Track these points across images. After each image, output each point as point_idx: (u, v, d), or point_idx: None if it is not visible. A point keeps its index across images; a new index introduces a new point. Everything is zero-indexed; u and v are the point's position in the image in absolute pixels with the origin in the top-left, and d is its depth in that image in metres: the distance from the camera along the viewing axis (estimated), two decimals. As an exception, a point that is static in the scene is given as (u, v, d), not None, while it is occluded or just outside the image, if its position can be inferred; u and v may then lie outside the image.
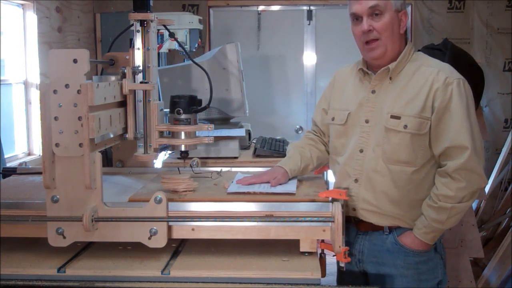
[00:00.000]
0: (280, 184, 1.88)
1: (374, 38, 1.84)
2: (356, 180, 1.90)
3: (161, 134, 1.92)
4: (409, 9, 4.78)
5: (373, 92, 1.91)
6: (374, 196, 1.87)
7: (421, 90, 1.82)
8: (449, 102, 1.80)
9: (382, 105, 1.87)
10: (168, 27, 2.03)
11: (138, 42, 1.89)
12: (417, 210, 1.87)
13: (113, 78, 1.85)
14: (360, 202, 1.90)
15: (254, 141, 2.90)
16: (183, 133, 1.92)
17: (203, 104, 1.97)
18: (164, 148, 2.31)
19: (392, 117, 1.83)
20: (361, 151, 1.90)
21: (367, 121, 1.90)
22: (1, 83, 3.55)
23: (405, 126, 1.81)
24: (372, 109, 1.90)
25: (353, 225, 1.95)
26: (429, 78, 1.83)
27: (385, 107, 1.86)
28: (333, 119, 2.01)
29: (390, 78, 1.88)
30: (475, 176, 1.80)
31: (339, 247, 1.61)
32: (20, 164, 3.55)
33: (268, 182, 1.88)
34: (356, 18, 1.86)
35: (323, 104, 2.11)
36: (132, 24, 1.90)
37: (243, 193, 1.80)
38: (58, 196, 1.64)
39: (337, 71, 2.11)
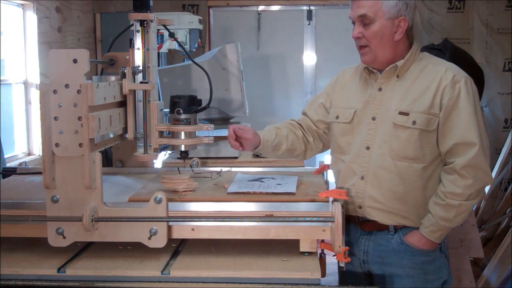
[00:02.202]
0: (242, 139, 1.95)
1: (363, 45, 1.88)
2: (362, 178, 1.90)
3: (161, 134, 1.92)
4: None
5: (380, 89, 1.91)
6: (381, 193, 1.87)
7: (429, 87, 1.84)
8: (457, 100, 1.81)
9: (389, 102, 1.88)
10: (168, 27, 2.03)
11: (138, 42, 1.89)
12: (423, 208, 1.87)
13: (113, 78, 1.84)
14: (366, 199, 1.89)
15: (254, 141, 2.90)
16: (183, 133, 1.92)
17: (203, 104, 1.97)
18: (164, 148, 2.31)
19: (401, 113, 1.84)
20: (368, 148, 1.90)
21: (373, 118, 1.90)
22: (1, 83, 3.55)
23: (414, 122, 1.82)
24: (379, 106, 1.90)
25: (357, 225, 1.95)
26: (437, 76, 1.84)
27: (393, 104, 1.87)
28: (337, 117, 2.01)
29: (397, 76, 1.89)
30: (481, 174, 1.81)
31: (339, 247, 1.61)
32: (20, 164, 3.56)
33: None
34: (352, 22, 1.89)
35: (322, 99, 2.11)
36: (132, 24, 1.90)
37: (243, 193, 1.81)
38: (58, 196, 1.64)
39: (341, 71, 2.12)
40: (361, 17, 1.84)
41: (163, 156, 2.51)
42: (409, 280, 1.89)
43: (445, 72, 1.84)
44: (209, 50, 4.70)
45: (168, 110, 1.95)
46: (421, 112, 1.82)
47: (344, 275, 1.99)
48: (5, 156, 3.35)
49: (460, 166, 1.80)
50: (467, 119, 1.80)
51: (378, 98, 1.91)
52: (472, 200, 1.83)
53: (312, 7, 4.98)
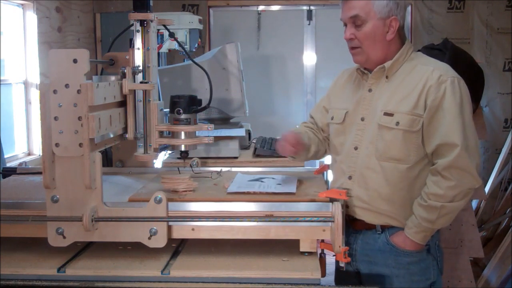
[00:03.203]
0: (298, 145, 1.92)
1: (355, 46, 1.88)
2: (350, 177, 1.91)
3: (161, 134, 1.92)
4: (408, 9, 4.78)
5: (370, 90, 1.92)
6: (367, 193, 1.87)
7: (415, 88, 1.83)
8: (441, 100, 1.79)
9: (377, 103, 1.88)
10: (168, 27, 2.04)
11: (138, 42, 1.89)
12: (409, 209, 1.86)
13: (113, 78, 1.84)
14: (353, 199, 1.90)
15: (254, 141, 2.90)
16: (183, 133, 1.92)
17: (203, 104, 1.97)
18: (164, 148, 2.31)
19: (385, 114, 1.84)
20: (356, 148, 1.91)
21: (362, 119, 1.91)
22: (1, 83, 3.55)
23: (397, 123, 1.81)
24: (368, 107, 1.90)
25: (348, 223, 1.95)
26: (423, 76, 1.83)
27: (380, 104, 1.87)
28: (332, 118, 2.02)
29: (387, 77, 1.89)
30: (466, 175, 1.78)
31: (339, 247, 1.61)
32: (20, 164, 3.56)
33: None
34: (344, 23, 1.89)
35: (324, 102, 2.12)
36: (132, 24, 1.90)
37: (243, 193, 1.80)
38: (58, 196, 1.64)
39: (341, 72, 2.13)
40: (353, 18, 1.84)
41: (163, 156, 2.51)
42: (394, 280, 1.89)
43: (432, 72, 1.82)
44: (209, 50, 4.71)
45: (168, 110, 1.95)
46: (405, 113, 1.81)
47: (339, 273, 2.00)
48: (5, 156, 3.35)
49: (442, 167, 1.78)
50: (451, 120, 1.78)
51: (368, 99, 1.91)
52: (457, 202, 1.80)
53: (312, 7, 4.98)
